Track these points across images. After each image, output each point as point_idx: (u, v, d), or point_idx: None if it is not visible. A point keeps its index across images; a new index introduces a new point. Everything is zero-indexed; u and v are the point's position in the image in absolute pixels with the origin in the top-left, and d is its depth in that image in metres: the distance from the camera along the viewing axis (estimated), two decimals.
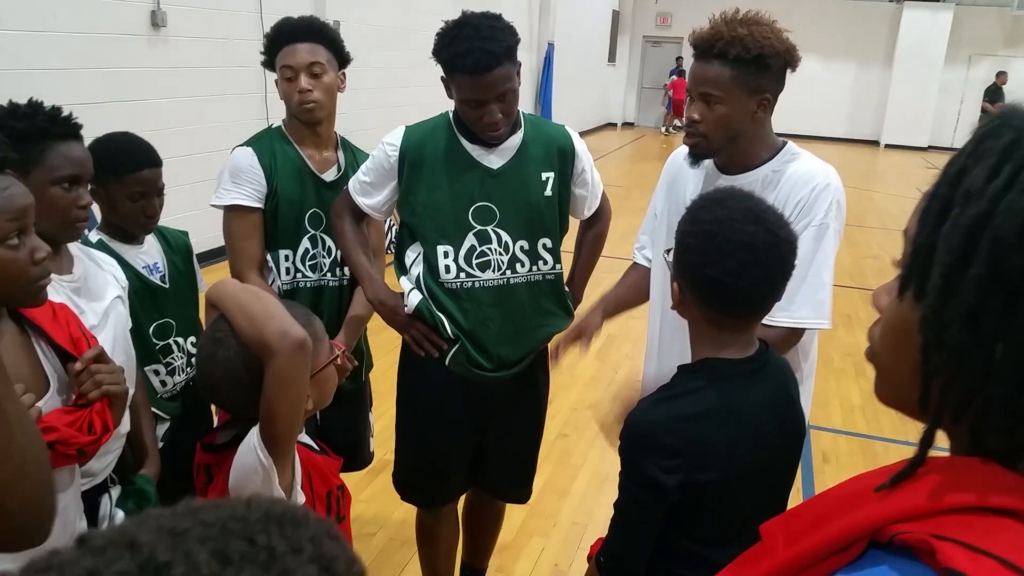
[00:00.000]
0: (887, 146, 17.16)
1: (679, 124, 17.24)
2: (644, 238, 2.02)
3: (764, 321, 1.58)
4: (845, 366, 4.72)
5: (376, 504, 2.98)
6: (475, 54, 1.71)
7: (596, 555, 1.32)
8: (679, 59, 16.87)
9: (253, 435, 1.18)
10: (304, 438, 1.38)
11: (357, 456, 2.37)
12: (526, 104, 12.46)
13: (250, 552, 0.40)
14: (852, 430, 3.91)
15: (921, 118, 16.86)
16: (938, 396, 0.57)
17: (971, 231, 0.53)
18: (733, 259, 1.16)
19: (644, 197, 2.05)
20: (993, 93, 13.97)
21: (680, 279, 1.26)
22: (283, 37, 2.04)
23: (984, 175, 0.54)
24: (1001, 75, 14.14)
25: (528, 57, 12.79)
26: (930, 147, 17.04)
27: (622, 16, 18.48)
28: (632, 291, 2.03)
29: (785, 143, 1.74)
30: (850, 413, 4.10)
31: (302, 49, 2.02)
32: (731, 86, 1.60)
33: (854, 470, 3.46)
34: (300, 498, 1.24)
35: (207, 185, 2.14)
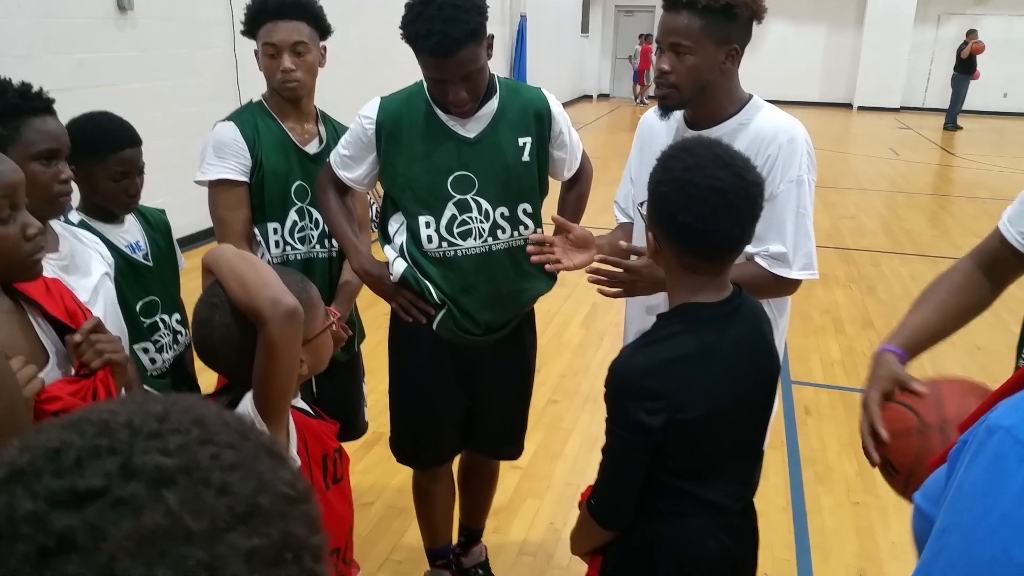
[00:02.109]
0: (860, 108, 17.26)
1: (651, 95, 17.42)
2: (624, 200, 2.05)
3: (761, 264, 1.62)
4: (824, 323, 4.81)
5: (372, 475, 3.03)
6: (436, 37, 1.68)
7: (587, 499, 1.37)
8: None
9: (247, 401, 1.21)
10: (300, 403, 1.40)
11: (351, 426, 2.41)
12: None
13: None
14: (832, 383, 4.00)
15: (893, 79, 16.97)
16: None
17: None
18: (705, 204, 1.21)
19: (623, 167, 2.08)
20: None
21: (655, 228, 1.30)
22: (266, 13, 2.03)
23: None
24: (971, 33, 14.24)
25: (501, 30, 12.69)
26: (902, 108, 17.17)
27: None
28: (623, 237, 1.99)
29: (751, 96, 1.76)
30: (830, 367, 4.19)
31: (285, 27, 2.01)
32: (700, 36, 1.62)
33: (835, 422, 3.56)
34: (295, 463, 1.26)
35: (183, 169, 2.13)
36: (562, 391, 3.86)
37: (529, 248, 1.83)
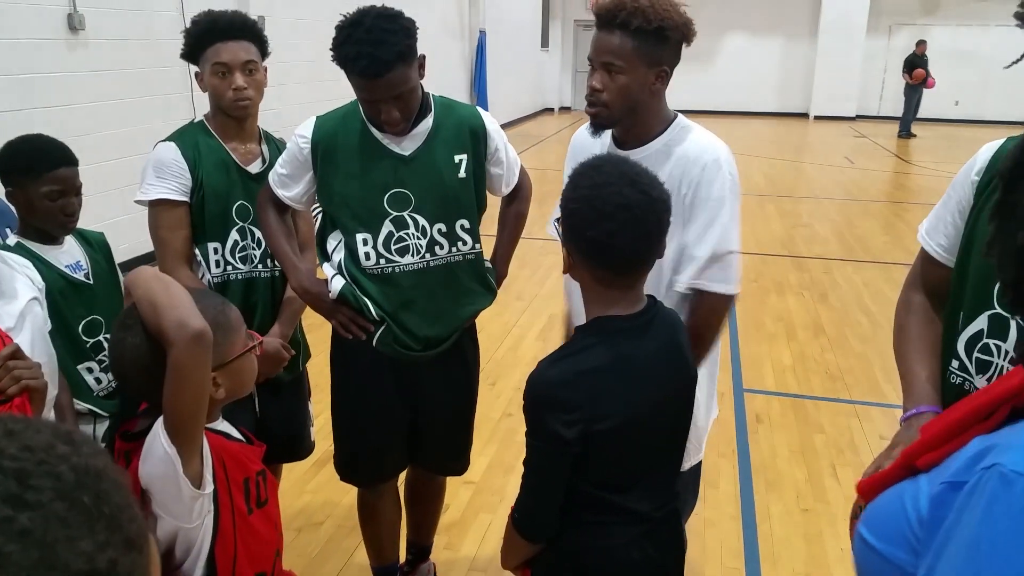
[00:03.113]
0: (816, 117, 17.62)
1: None
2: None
3: (689, 285, 1.65)
4: (777, 330, 4.89)
5: (323, 494, 3.02)
6: (364, 60, 1.72)
7: (511, 512, 1.39)
8: None
9: (158, 424, 1.20)
10: (221, 426, 1.38)
11: (298, 445, 2.41)
12: (460, 94, 12.44)
13: None
14: (784, 391, 4.06)
15: (847, 88, 17.33)
16: None
17: None
18: (613, 220, 1.24)
19: None
20: (912, 62, 14.40)
21: (568, 244, 1.34)
22: (215, 34, 2.05)
23: None
24: (921, 44, 14.62)
25: (460, 46, 12.76)
26: (858, 116, 17.56)
27: (552, 1, 18.56)
28: None
29: (676, 116, 1.79)
30: (782, 375, 4.26)
31: (236, 47, 2.04)
32: (632, 57, 1.65)
33: (786, 430, 3.62)
34: (209, 487, 1.25)
35: (137, 188, 2.14)
36: (517, 404, 3.84)
37: None
